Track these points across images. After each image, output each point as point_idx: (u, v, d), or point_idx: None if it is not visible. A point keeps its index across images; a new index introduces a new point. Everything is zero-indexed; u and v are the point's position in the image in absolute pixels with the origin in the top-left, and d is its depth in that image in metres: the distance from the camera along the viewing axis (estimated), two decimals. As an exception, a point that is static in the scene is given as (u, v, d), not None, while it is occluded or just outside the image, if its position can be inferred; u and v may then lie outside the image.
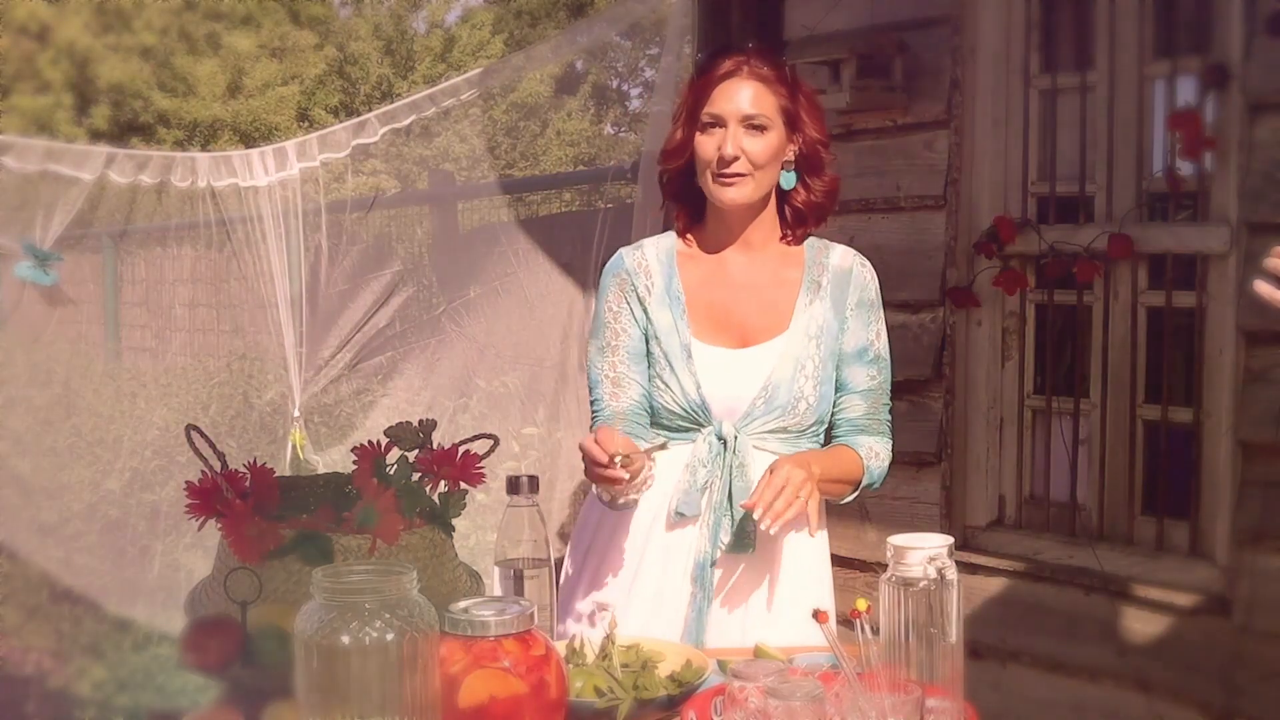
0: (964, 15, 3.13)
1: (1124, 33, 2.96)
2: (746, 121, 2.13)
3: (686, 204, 2.27)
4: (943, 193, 3.21)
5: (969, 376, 3.23)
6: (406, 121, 5.56)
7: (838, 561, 3.46)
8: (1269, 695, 2.65)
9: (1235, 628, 2.71)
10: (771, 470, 1.99)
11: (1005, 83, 3.16)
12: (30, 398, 6.87)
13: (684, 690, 1.63)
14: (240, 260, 6.25)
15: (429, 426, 1.98)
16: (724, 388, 2.15)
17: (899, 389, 3.29)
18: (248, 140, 12.20)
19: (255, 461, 1.72)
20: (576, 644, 1.76)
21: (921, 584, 1.48)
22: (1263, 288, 1.50)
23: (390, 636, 1.29)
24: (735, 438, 2.13)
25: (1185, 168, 2.88)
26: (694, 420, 2.15)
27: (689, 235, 2.27)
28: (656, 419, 2.18)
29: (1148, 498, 3.00)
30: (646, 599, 2.13)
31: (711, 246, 2.25)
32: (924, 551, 1.49)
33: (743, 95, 2.14)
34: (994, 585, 3.13)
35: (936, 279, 3.22)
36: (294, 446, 5.89)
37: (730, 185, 2.14)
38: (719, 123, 2.15)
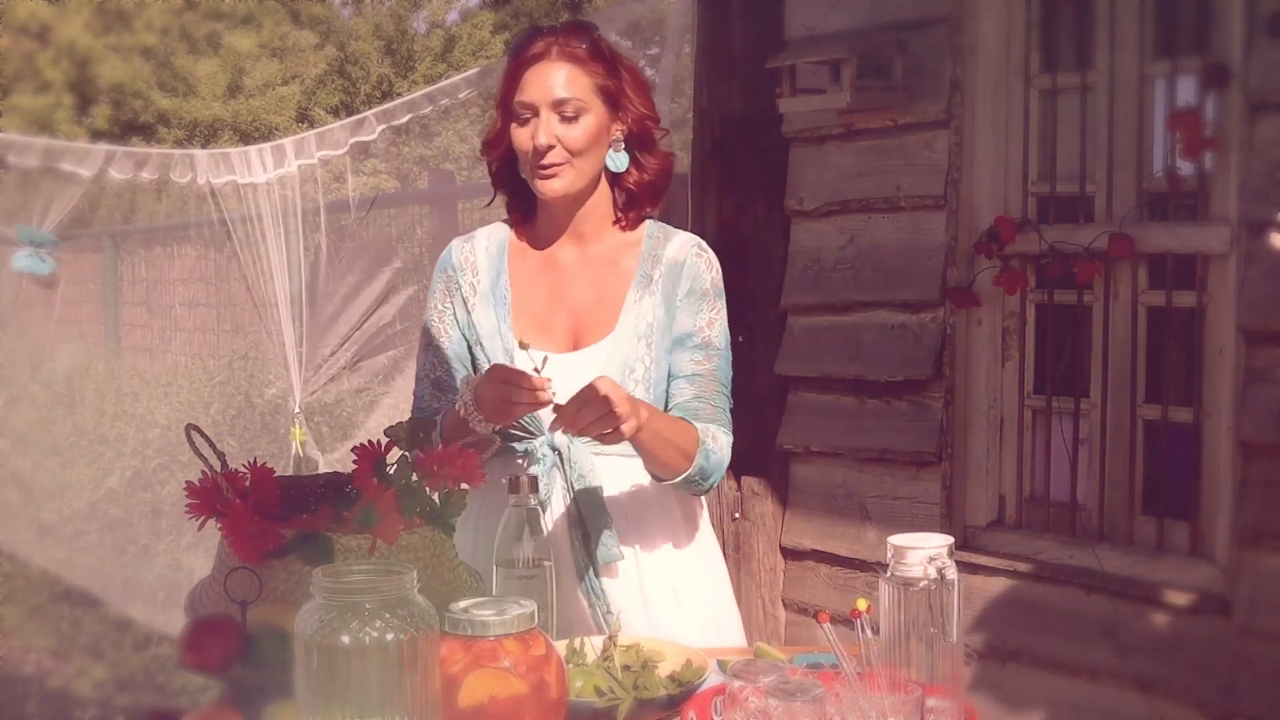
0: (964, 15, 3.13)
1: (1124, 33, 2.96)
2: (559, 108, 2.00)
3: (518, 196, 2.15)
4: (943, 193, 3.21)
5: (969, 376, 3.23)
6: (404, 119, 5.57)
7: (838, 561, 3.48)
8: (1269, 695, 2.65)
9: (1235, 628, 2.71)
10: (591, 384, 1.83)
11: (1005, 83, 3.16)
12: (32, 396, 6.88)
13: (684, 690, 1.63)
14: (240, 259, 6.26)
15: (429, 426, 1.98)
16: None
17: (899, 389, 3.32)
18: (248, 140, 12.20)
19: (256, 461, 1.72)
20: (577, 644, 1.76)
21: (922, 584, 1.48)
22: (1277, 239, 1.48)
23: (390, 636, 1.29)
24: (569, 447, 2.01)
25: (1185, 168, 2.88)
26: (525, 429, 2.04)
27: (523, 228, 2.16)
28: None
29: (1148, 498, 3.00)
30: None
31: (542, 240, 2.13)
32: (924, 551, 1.49)
33: (554, 79, 2.00)
34: (994, 585, 3.13)
35: (936, 279, 3.22)
36: (296, 445, 5.90)
37: (550, 177, 2.02)
38: (532, 111, 2.01)
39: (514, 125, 2.04)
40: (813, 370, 3.50)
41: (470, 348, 2.12)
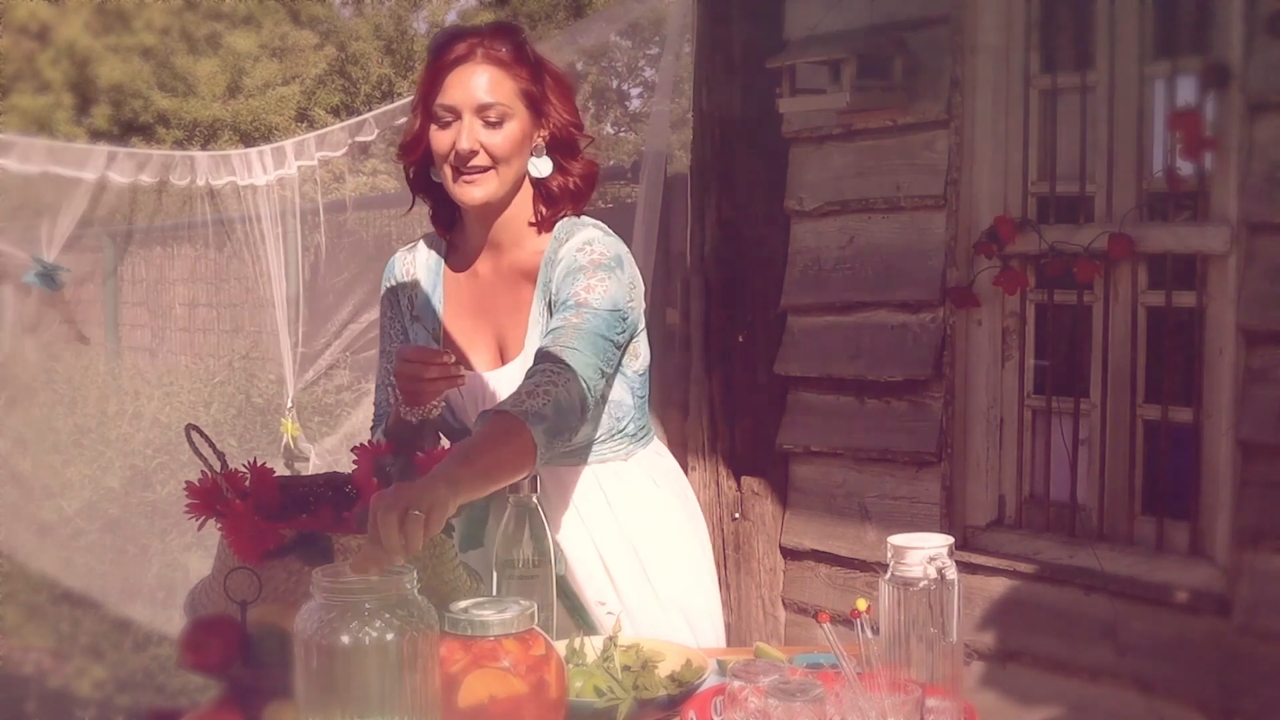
0: (964, 15, 3.13)
1: (1124, 32, 2.96)
2: (482, 113, 1.93)
3: (441, 204, 2.08)
4: (943, 193, 3.20)
5: (969, 376, 3.23)
6: (400, 120, 5.58)
7: (838, 561, 3.48)
8: (1269, 695, 2.65)
9: (1235, 628, 2.71)
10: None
11: (1005, 83, 3.16)
12: (32, 396, 6.88)
13: (684, 690, 1.62)
14: (240, 260, 6.27)
15: (432, 426, 1.98)
16: (478, 413, 1.84)
17: (899, 389, 3.32)
18: (248, 140, 12.20)
19: (255, 461, 1.72)
20: (576, 644, 1.76)
21: (922, 584, 1.48)
22: None
23: (390, 636, 1.29)
24: None
25: (1185, 168, 2.88)
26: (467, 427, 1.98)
27: (447, 237, 2.09)
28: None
29: (1148, 498, 3.00)
30: None
31: (465, 251, 2.08)
32: (924, 551, 1.49)
33: (477, 83, 1.94)
34: (994, 585, 3.13)
35: (936, 279, 3.22)
36: (288, 437, 5.91)
37: (471, 183, 1.95)
38: (454, 114, 1.95)
39: (434, 128, 1.97)
40: (813, 370, 3.49)
41: None
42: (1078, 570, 2.99)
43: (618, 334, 1.94)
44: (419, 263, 2.13)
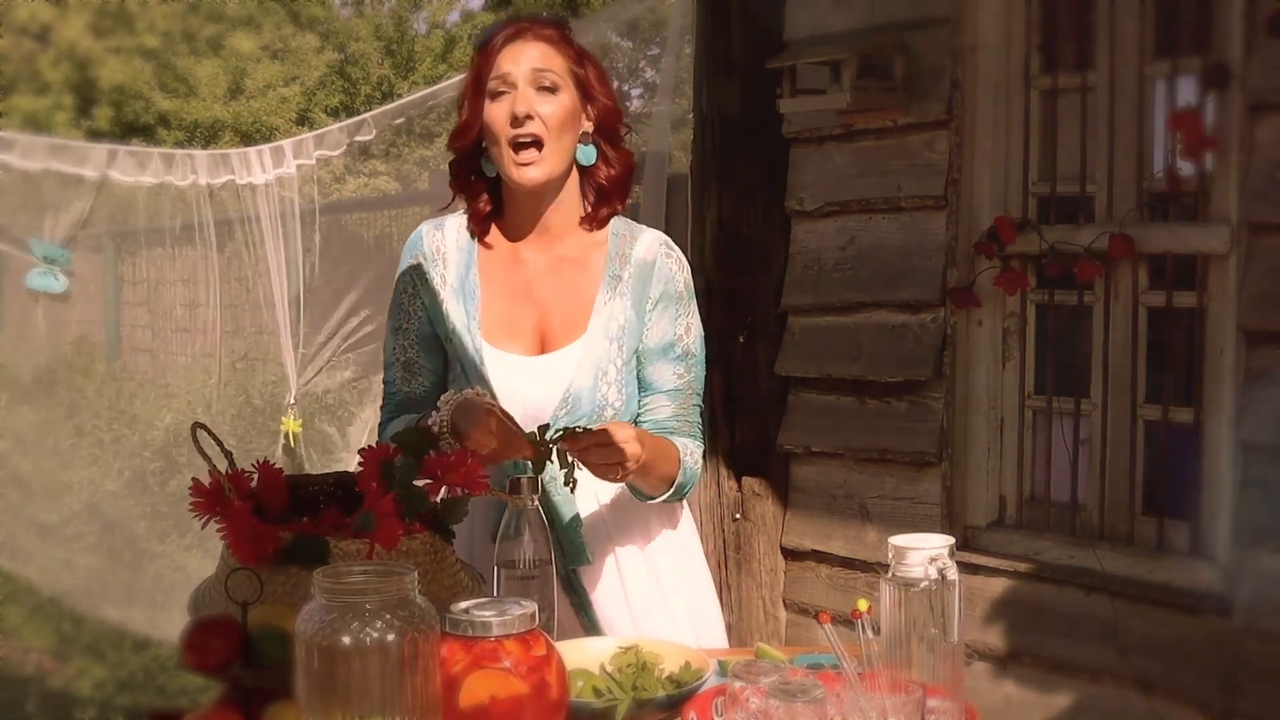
0: (964, 15, 3.13)
1: (1124, 33, 2.95)
2: (537, 80, 1.98)
3: (484, 192, 2.09)
4: (943, 193, 3.20)
5: (969, 376, 3.23)
6: (398, 120, 5.59)
7: (839, 562, 3.48)
8: (1269, 695, 2.64)
9: (1235, 628, 2.71)
10: (610, 429, 1.84)
11: (1005, 83, 3.16)
12: (32, 398, 6.88)
13: (683, 691, 1.62)
14: (240, 260, 6.28)
15: (433, 438, 1.97)
16: (522, 398, 1.98)
17: (899, 389, 3.32)
18: (248, 141, 12.21)
19: (264, 460, 1.71)
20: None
21: (922, 584, 1.48)
22: None
23: (391, 637, 1.29)
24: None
25: (1185, 168, 2.88)
26: None
27: (486, 227, 2.09)
28: None
29: (1148, 498, 3.00)
30: None
31: (510, 236, 2.09)
32: (925, 552, 1.49)
33: (530, 54, 1.99)
34: (995, 585, 3.13)
35: (937, 279, 3.22)
36: (288, 434, 5.90)
37: (529, 164, 1.97)
38: (509, 84, 1.98)
39: (488, 104, 2.00)
40: (813, 370, 3.49)
41: (441, 339, 2.08)
42: (1078, 570, 2.99)
43: (704, 368, 2.11)
44: (449, 240, 2.10)
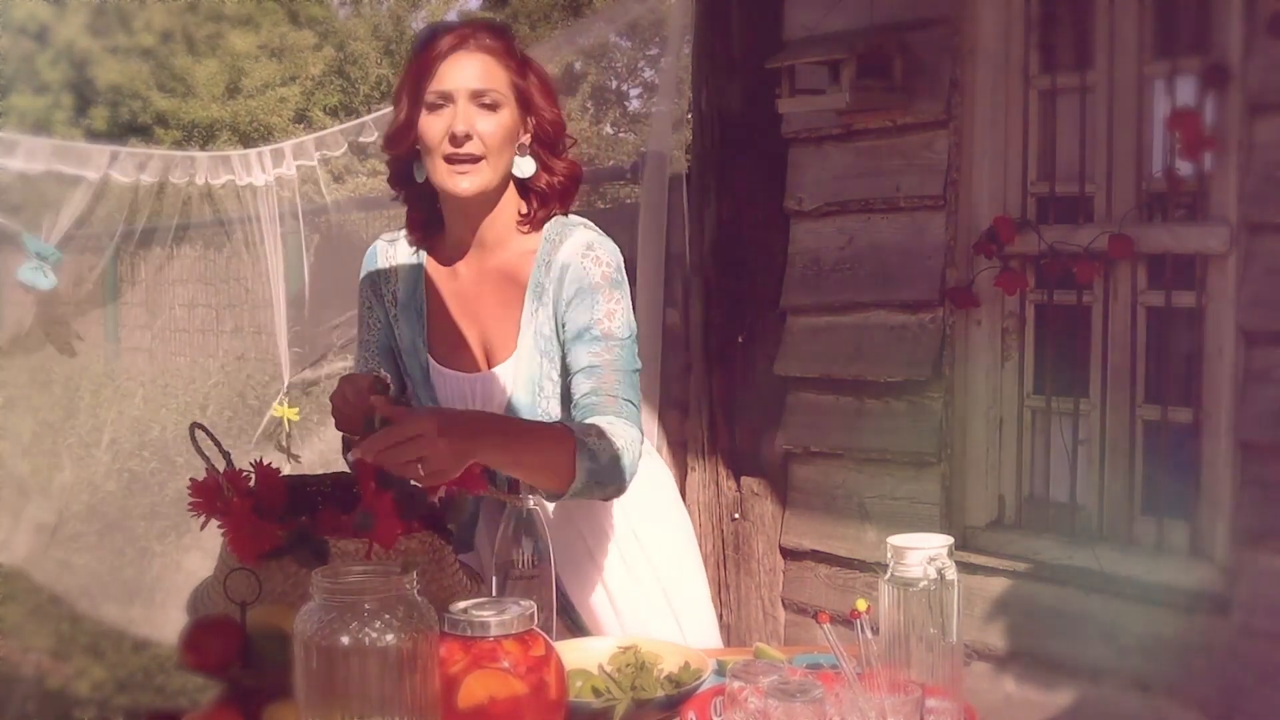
0: (963, 15, 3.13)
1: (1124, 33, 2.96)
2: (478, 98, 1.93)
3: (419, 200, 2.06)
4: (942, 193, 3.20)
5: (969, 376, 3.23)
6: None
7: (838, 562, 3.48)
8: (1269, 695, 2.64)
9: (1235, 628, 2.70)
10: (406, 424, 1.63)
11: (1005, 83, 3.16)
12: (30, 398, 6.88)
13: (681, 691, 1.62)
14: (239, 260, 6.28)
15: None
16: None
17: (899, 389, 3.31)
18: (246, 141, 12.20)
19: (261, 460, 1.71)
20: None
21: (921, 584, 1.48)
22: None
23: (390, 637, 1.29)
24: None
25: (1185, 168, 2.88)
26: None
27: (424, 237, 2.06)
28: None
29: (1148, 498, 3.00)
30: None
31: (448, 250, 2.06)
32: (924, 552, 1.49)
33: (472, 69, 1.93)
34: (994, 585, 3.12)
35: (936, 279, 3.22)
36: (284, 421, 5.88)
37: (464, 174, 1.93)
38: (447, 100, 1.93)
39: (424, 115, 1.96)
40: (812, 370, 3.49)
41: (396, 353, 2.09)
42: (1077, 570, 2.99)
43: (636, 355, 1.98)
44: (400, 256, 2.10)
